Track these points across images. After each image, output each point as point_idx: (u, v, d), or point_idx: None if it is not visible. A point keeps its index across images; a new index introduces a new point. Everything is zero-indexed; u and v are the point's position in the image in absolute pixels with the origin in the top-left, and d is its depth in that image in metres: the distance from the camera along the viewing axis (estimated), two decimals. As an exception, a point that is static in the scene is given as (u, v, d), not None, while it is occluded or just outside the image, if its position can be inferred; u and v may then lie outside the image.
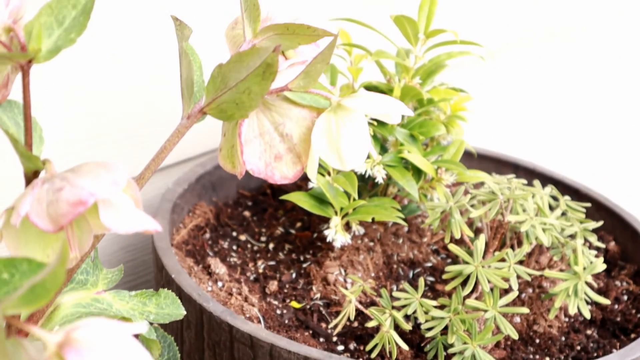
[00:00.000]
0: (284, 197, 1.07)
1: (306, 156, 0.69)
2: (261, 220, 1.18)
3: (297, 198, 1.06)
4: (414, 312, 0.99)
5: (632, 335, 1.07)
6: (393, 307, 1.00)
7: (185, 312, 0.74)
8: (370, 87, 1.11)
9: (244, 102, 0.64)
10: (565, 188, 1.25)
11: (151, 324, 0.97)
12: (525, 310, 0.98)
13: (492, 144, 1.55)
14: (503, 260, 1.01)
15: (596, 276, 1.15)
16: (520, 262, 1.09)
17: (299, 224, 1.17)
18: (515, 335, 0.97)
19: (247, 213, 1.20)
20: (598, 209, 1.23)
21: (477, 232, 1.14)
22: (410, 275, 1.11)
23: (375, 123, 1.03)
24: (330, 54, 0.65)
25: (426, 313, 0.99)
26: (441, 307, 0.99)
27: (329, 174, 1.08)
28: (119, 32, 1.10)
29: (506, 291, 1.02)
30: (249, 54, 0.63)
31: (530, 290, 1.08)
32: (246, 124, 0.68)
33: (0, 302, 0.50)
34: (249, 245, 1.14)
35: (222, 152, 0.70)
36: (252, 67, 0.63)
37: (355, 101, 0.67)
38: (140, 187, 0.66)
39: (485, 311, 0.98)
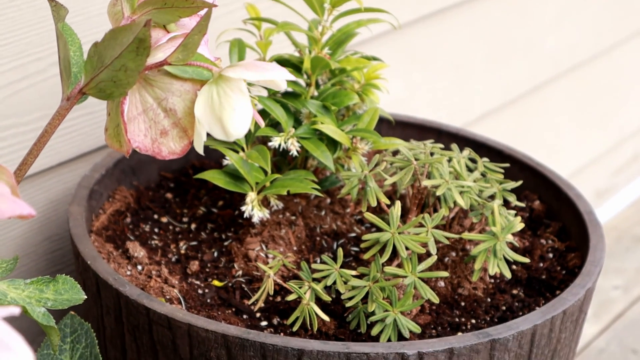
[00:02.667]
0: (199, 175, 1.06)
1: (192, 129, 0.68)
2: (183, 202, 1.18)
3: (211, 176, 1.05)
4: (334, 283, 0.99)
5: (557, 292, 1.07)
6: (314, 280, 0.99)
7: (85, 297, 0.74)
8: (281, 60, 1.10)
9: (121, 80, 0.64)
10: (488, 150, 1.25)
11: (67, 311, 0.96)
12: (444, 274, 0.98)
13: (420, 112, 1.55)
14: (422, 225, 1.00)
15: (521, 235, 1.16)
16: (443, 227, 1.09)
17: (221, 203, 1.16)
18: (435, 300, 0.97)
19: (169, 195, 1.19)
20: (522, 169, 1.23)
21: (402, 199, 1.14)
22: (334, 246, 1.10)
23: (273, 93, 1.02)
24: (206, 24, 0.64)
25: (345, 283, 0.98)
26: (361, 276, 0.99)
27: (242, 150, 1.07)
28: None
29: (429, 256, 1.01)
30: (121, 31, 0.62)
31: (453, 253, 1.08)
32: (128, 102, 0.67)
33: None
34: (170, 227, 1.13)
35: (108, 131, 0.69)
36: (125, 44, 0.62)
37: (235, 70, 0.67)
38: (24, 173, 0.65)
39: (404, 277, 0.97)
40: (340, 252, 0.99)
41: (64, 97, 0.68)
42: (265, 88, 0.96)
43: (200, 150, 0.69)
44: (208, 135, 1.09)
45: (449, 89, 1.68)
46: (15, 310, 0.51)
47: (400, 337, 0.97)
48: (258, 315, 1.00)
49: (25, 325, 1.19)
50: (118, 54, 0.63)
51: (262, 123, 0.71)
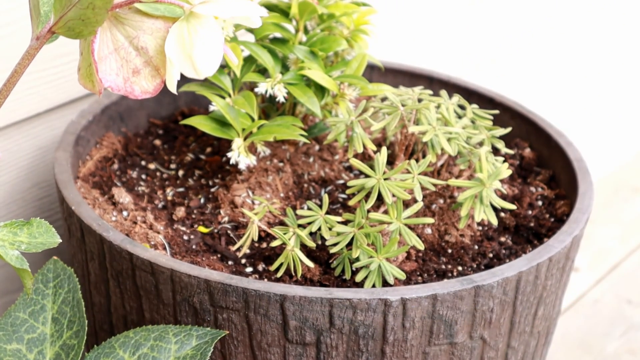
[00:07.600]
0: (184, 121, 1.05)
1: (165, 68, 0.68)
2: (171, 148, 1.17)
3: (197, 121, 1.05)
4: (320, 229, 0.98)
5: (545, 240, 1.06)
6: (299, 226, 0.99)
7: (60, 240, 0.73)
8: (269, 6, 1.09)
9: (90, 18, 0.63)
10: (480, 97, 1.24)
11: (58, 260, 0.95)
12: (430, 220, 0.97)
13: (410, 60, 1.53)
14: (409, 172, 0.99)
15: (511, 183, 1.15)
16: (432, 174, 1.08)
17: (209, 150, 1.15)
18: (420, 246, 0.97)
19: (157, 142, 1.18)
20: (513, 117, 1.22)
21: (391, 146, 1.13)
22: (322, 193, 1.09)
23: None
24: (176, -39, 0.63)
25: (330, 229, 0.98)
26: (346, 222, 0.98)
27: (229, 95, 1.06)
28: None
29: (415, 202, 1.00)
30: (89, -33, 0.61)
31: (441, 201, 1.07)
32: (99, 41, 0.66)
33: None
34: (158, 174, 1.12)
35: (80, 71, 0.68)
36: (93, -20, 0.61)
37: (206, 7, 0.66)
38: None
39: (389, 223, 0.97)
40: (325, 198, 0.98)
41: (33, 37, 0.67)
42: (250, 30, 0.95)
43: (173, 89, 0.68)
44: (193, 80, 1.08)
45: (446, 35, 1.67)
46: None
47: (386, 284, 0.96)
48: (243, 261, 1.00)
49: (12, 273, 1.19)
50: (86, -8, 0.62)
51: (235, 60, 0.70)
